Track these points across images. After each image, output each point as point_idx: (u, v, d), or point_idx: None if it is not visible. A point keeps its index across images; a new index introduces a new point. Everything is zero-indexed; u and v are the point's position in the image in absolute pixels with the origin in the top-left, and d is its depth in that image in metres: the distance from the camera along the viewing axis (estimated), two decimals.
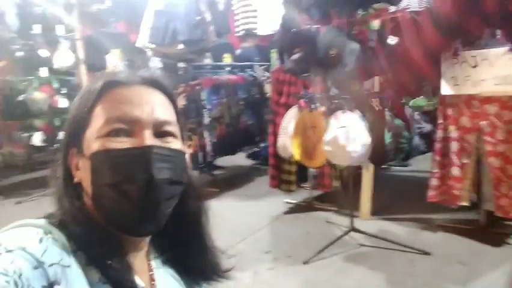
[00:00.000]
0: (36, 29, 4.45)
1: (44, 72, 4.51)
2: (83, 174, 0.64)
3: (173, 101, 0.71)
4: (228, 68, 5.38)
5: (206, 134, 4.60)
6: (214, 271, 0.79)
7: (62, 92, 4.68)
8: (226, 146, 4.96)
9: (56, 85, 4.67)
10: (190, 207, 0.74)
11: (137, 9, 4.62)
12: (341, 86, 2.99)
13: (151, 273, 0.72)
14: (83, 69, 4.81)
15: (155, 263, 0.74)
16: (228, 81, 5.00)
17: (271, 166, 3.94)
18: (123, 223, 0.62)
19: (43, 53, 4.47)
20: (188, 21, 4.33)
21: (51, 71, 4.60)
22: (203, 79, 4.70)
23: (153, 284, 0.71)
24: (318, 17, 3.04)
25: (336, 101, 2.95)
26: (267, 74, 5.35)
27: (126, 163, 0.60)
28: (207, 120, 4.60)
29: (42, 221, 0.60)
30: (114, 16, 5.14)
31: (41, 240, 0.54)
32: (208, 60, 5.65)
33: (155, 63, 4.98)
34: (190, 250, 0.77)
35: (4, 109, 4.71)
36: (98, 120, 0.63)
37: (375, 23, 2.82)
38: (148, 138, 0.62)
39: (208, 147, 4.60)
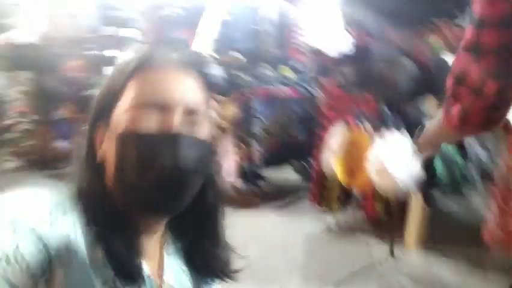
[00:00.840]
0: (108, 30, 4.79)
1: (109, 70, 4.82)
2: (107, 149, 0.65)
3: (206, 84, 0.72)
4: (284, 80, 5.38)
5: (255, 144, 4.61)
6: (221, 268, 0.78)
7: None
8: (274, 158, 4.94)
9: None
10: (208, 197, 0.74)
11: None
12: (392, 105, 2.86)
13: (161, 259, 0.72)
14: None
15: (168, 250, 0.74)
16: (283, 93, 5.00)
17: (314, 182, 3.86)
18: (139, 201, 0.63)
19: (111, 53, 4.79)
20: (248, 31, 4.41)
21: None
22: (257, 89, 4.74)
23: (160, 271, 0.70)
24: (373, 32, 2.95)
25: (385, 120, 2.82)
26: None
27: (153, 148, 0.61)
28: (257, 130, 4.62)
29: (56, 193, 0.61)
30: (180, 22, 5.38)
31: (50, 214, 0.55)
32: (265, 71, 5.69)
33: (216, 71, 5.14)
34: (201, 241, 0.76)
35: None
36: (128, 99, 0.63)
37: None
38: (177, 122, 0.63)
39: (256, 158, 4.61)
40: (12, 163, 5.83)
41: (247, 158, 4.56)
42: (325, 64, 4.87)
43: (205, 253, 0.76)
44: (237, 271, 0.80)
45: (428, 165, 2.69)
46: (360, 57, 2.94)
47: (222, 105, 4.17)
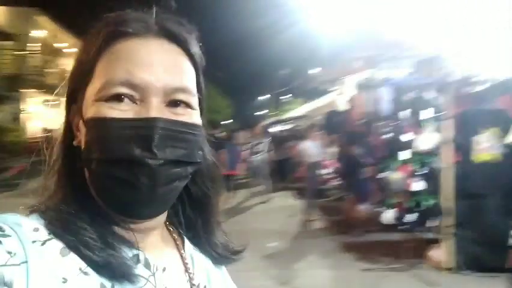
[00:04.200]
0: (405, 113, 4.58)
1: (405, 154, 4.60)
2: (81, 135, 0.55)
3: (195, 62, 0.57)
4: None
5: None
6: (224, 253, 0.70)
7: (420, 173, 4.59)
8: None
9: (416, 166, 4.65)
10: (200, 187, 0.65)
11: None
12: None
13: (181, 252, 0.64)
14: (448, 150, 4.53)
15: (187, 239, 0.67)
16: None
17: None
18: (114, 204, 0.53)
19: (407, 136, 4.55)
20: None
21: (414, 153, 4.61)
22: None
23: (185, 261, 0.63)
24: None
25: None
26: None
27: (124, 137, 0.49)
28: None
29: (0, 216, 0.50)
30: (495, 92, 4.44)
31: None
32: None
33: None
34: (198, 229, 0.68)
35: None
36: (99, 79, 0.52)
37: None
38: (155, 108, 0.51)
39: None
40: (318, 223, 6.59)
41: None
42: None
43: (205, 242, 0.68)
44: (240, 252, 0.72)
45: None
46: None
47: None
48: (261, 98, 38.54)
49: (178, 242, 0.65)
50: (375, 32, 5.21)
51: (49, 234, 0.49)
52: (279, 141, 9.99)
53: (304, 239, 5.70)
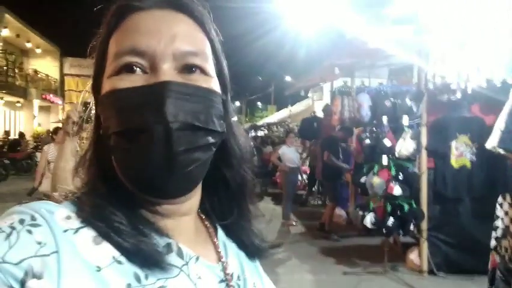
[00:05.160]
0: (384, 119, 4.70)
1: (384, 160, 4.71)
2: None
3: (211, 39, 0.55)
4: None
5: None
6: (260, 244, 0.66)
7: (398, 178, 4.72)
8: None
9: (393, 172, 4.77)
10: (236, 170, 0.61)
11: None
12: None
13: (214, 240, 0.61)
14: (424, 156, 4.69)
15: (219, 227, 0.64)
16: None
17: None
18: (140, 182, 0.50)
19: (385, 142, 4.67)
20: None
21: (392, 158, 4.73)
22: None
23: (218, 250, 0.60)
24: None
25: None
26: None
27: (135, 105, 0.47)
28: None
29: (34, 204, 0.48)
30: (468, 100, 4.64)
31: (7, 237, 0.43)
32: None
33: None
34: (233, 217, 0.64)
35: None
36: (110, 56, 0.52)
37: None
38: (166, 73, 0.49)
39: None
40: (298, 228, 6.58)
41: None
42: None
43: (241, 230, 0.65)
44: (276, 246, 0.60)
45: None
46: None
47: None
48: (235, 103, 38.47)
49: (210, 230, 0.62)
50: (353, 41, 5.34)
51: (81, 222, 0.48)
52: (256, 146, 10.02)
53: (285, 244, 5.73)
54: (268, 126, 16.15)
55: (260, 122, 19.46)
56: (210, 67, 0.53)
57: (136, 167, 0.49)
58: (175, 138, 0.47)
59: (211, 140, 0.51)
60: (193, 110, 0.49)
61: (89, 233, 0.47)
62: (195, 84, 0.50)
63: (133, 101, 0.48)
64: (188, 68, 0.51)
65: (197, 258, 0.55)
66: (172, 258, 0.51)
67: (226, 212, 0.64)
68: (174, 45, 0.50)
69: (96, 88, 0.55)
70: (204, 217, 0.63)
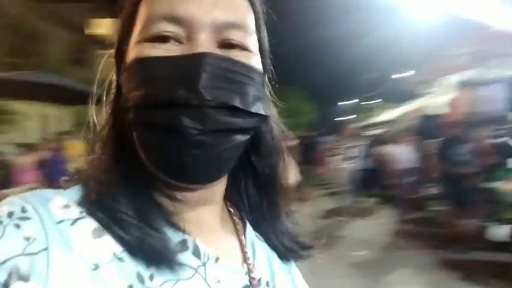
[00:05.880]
0: None
1: None
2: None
3: (255, 9, 0.50)
4: None
5: None
6: (290, 246, 0.59)
7: None
8: None
9: None
10: (267, 160, 0.55)
11: None
12: None
13: (241, 238, 0.55)
14: None
15: (249, 223, 0.58)
16: None
17: None
18: (160, 162, 0.45)
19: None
20: None
21: None
22: None
23: (245, 249, 0.53)
24: None
25: None
26: None
27: (167, 77, 0.42)
28: None
29: (32, 193, 0.43)
30: None
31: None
32: None
33: None
34: (262, 212, 0.58)
35: None
36: (141, 19, 0.46)
37: None
38: (204, 45, 0.43)
39: None
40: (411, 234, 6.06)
41: None
42: None
43: (270, 229, 0.58)
44: (310, 247, 0.61)
45: None
46: None
47: None
48: (347, 102, 37.60)
49: (238, 227, 0.56)
50: (480, 24, 4.65)
51: (81, 212, 0.42)
52: (373, 145, 9.40)
53: (396, 251, 5.30)
54: (383, 124, 15.27)
55: (375, 120, 18.55)
56: (253, 42, 0.48)
57: (162, 147, 0.43)
58: (207, 117, 0.41)
59: (249, 123, 0.46)
60: (231, 89, 0.43)
61: (88, 225, 0.42)
62: (235, 59, 0.45)
63: (164, 72, 0.43)
64: (229, 45, 0.46)
65: (217, 259, 0.48)
66: (187, 257, 0.45)
67: (253, 205, 0.58)
68: (215, 13, 0.45)
69: (120, 55, 0.50)
70: (232, 211, 0.57)
